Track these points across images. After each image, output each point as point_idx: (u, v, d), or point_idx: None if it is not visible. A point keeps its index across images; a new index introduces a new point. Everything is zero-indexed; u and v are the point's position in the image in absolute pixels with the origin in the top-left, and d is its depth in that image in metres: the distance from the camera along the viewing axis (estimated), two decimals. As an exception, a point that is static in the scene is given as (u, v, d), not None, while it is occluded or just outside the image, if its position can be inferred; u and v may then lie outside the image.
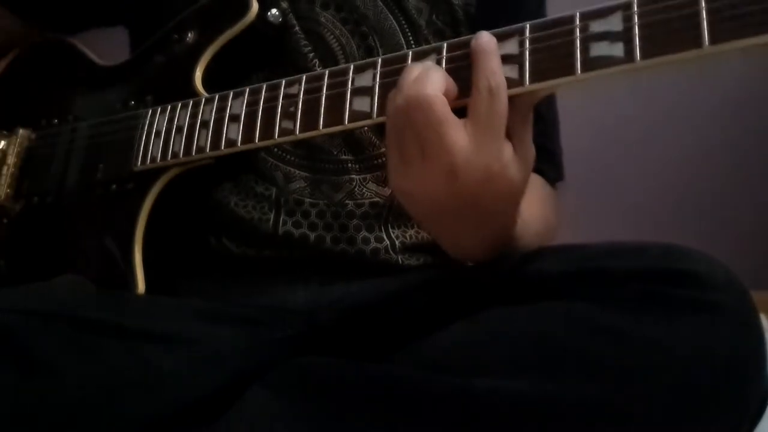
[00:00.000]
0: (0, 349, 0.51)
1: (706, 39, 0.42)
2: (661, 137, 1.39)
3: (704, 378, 0.46)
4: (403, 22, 0.70)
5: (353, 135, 0.70)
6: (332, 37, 0.70)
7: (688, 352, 0.47)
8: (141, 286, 0.64)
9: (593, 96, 1.31)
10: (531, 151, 0.52)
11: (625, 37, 0.44)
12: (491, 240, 0.58)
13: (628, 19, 0.45)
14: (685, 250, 0.52)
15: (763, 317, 0.51)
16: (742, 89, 1.36)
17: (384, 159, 0.70)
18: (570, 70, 0.46)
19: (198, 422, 0.54)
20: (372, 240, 0.70)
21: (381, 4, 0.70)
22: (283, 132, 0.58)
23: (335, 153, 0.69)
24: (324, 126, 0.56)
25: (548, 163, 0.76)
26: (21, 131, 0.78)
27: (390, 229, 0.71)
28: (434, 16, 0.71)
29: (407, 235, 0.71)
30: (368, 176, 0.70)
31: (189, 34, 0.70)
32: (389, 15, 0.70)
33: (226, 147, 0.61)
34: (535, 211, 0.66)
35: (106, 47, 0.81)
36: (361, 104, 0.54)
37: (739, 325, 0.48)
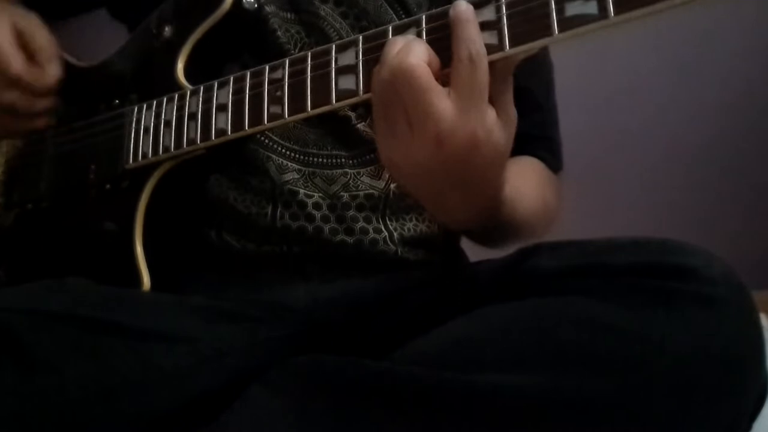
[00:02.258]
0: (0, 349, 0.52)
1: (676, -11, 0.43)
2: (661, 135, 1.38)
3: (702, 372, 0.47)
4: (403, 15, 0.71)
5: (346, 132, 0.70)
6: (332, 30, 0.70)
7: (687, 346, 0.47)
8: (146, 281, 0.66)
9: (594, 91, 1.32)
10: (513, 113, 0.53)
11: (598, -7, 0.46)
12: (479, 205, 0.58)
13: (599, -23, 0.46)
14: (682, 245, 0.52)
15: (762, 316, 0.51)
16: (743, 86, 1.35)
17: (377, 155, 0.70)
18: (548, 30, 0.47)
19: (198, 421, 0.54)
20: (370, 230, 0.70)
21: None
22: (272, 117, 0.59)
23: (329, 148, 0.70)
24: (312, 107, 0.56)
25: (549, 152, 0.77)
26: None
27: (388, 221, 0.71)
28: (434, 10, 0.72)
29: (405, 228, 0.72)
30: (362, 170, 0.71)
31: (167, 28, 0.70)
32: (389, 9, 0.71)
33: (216, 137, 0.62)
34: (532, 187, 0.67)
35: (105, 47, 0.81)
36: (347, 83, 0.55)
37: (737, 319, 0.49)
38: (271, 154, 0.70)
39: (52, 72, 0.74)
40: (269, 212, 0.69)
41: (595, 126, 1.34)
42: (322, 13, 0.70)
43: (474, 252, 0.72)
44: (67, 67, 0.80)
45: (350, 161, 0.70)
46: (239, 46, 0.70)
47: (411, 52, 0.49)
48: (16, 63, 0.71)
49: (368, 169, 0.71)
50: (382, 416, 0.49)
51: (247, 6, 0.68)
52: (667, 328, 0.47)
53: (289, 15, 0.70)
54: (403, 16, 0.71)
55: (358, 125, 0.70)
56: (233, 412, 0.52)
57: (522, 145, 0.54)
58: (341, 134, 0.70)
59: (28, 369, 0.52)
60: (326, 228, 0.69)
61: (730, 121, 1.37)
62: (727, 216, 1.38)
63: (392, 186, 0.71)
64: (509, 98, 0.52)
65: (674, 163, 1.40)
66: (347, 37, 0.70)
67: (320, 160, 0.70)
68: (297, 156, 0.70)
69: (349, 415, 0.50)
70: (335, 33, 0.70)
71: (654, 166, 1.40)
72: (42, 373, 0.52)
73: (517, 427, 0.47)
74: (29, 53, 0.73)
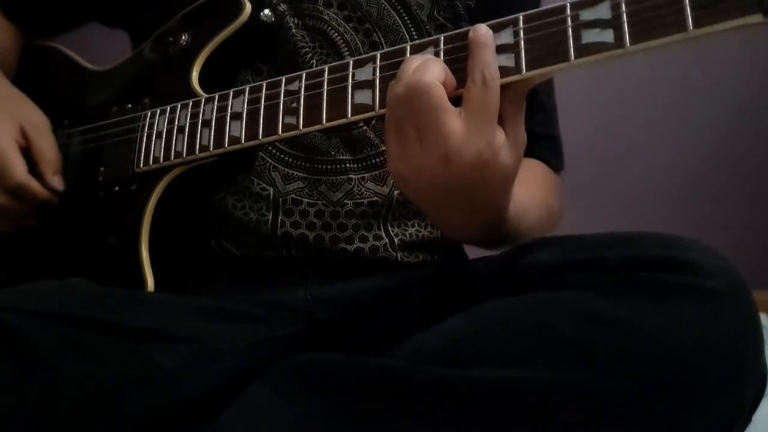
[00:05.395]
0: (1, 349, 0.51)
1: (690, 24, 0.45)
2: (662, 135, 1.40)
3: (702, 365, 0.46)
4: (406, 18, 0.72)
5: (351, 135, 0.71)
6: (336, 34, 0.71)
7: (685, 339, 0.47)
8: (150, 284, 0.66)
9: (595, 90, 1.33)
10: (522, 136, 0.54)
11: (615, 24, 0.47)
12: (483, 221, 0.59)
13: (616, 8, 0.47)
14: (680, 239, 0.52)
15: (763, 316, 0.51)
16: (744, 86, 1.36)
17: (382, 158, 0.72)
18: (564, 56, 0.49)
19: (199, 420, 0.54)
20: (370, 238, 0.71)
21: (383, 1, 0.72)
22: (287, 127, 0.60)
23: (333, 153, 0.71)
24: (327, 120, 0.58)
25: (551, 151, 0.78)
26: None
27: (389, 228, 0.72)
28: (436, 12, 0.74)
29: (407, 233, 0.73)
30: (366, 176, 0.71)
31: (183, 36, 0.71)
32: (392, 12, 0.72)
33: (230, 144, 0.63)
34: (536, 197, 0.68)
35: (105, 50, 0.82)
36: (363, 97, 0.56)
37: (736, 312, 0.49)
38: (277, 164, 0.71)
39: (56, 186, 0.72)
40: (270, 219, 0.70)
41: (598, 126, 1.35)
42: (326, 17, 0.72)
43: (473, 249, 0.72)
44: (77, 68, 0.81)
45: (355, 165, 0.71)
46: (253, 54, 0.71)
47: (428, 70, 0.50)
48: (20, 173, 0.70)
49: (373, 174, 0.72)
50: (381, 413, 0.49)
51: (264, 18, 0.70)
52: (666, 321, 0.47)
53: (294, 20, 0.72)
54: (406, 17, 0.73)
55: (363, 127, 0.71)
56: (234, 412, 0.52)
57: (527, 144, 0.55)
58: (346, 137, 0.71)
59: (28, 369, 0.52)
60: (327, 236, 0.70)
61: (731, 122, 1.38)
62: (727, 216, 1.38)
63: (396, 193, 0.72)
64: (520, 121, 0.54)
65: (675, 164, 1.40)
66: (352, 41, 0.71)
67: (326, 166, 0.71)
68: (303, 164, 0.71)
69: (349, 413, 0.50)
70: (339, 37, 0.71)
71: (655, 167, 1.40)
72: (42, 373, 0.52)
73: (517, 422, 0.47)
74: (32, 158, 0.72)
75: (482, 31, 0.51)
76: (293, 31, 0.71)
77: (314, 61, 0.71)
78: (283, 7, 0.71)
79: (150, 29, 0.75)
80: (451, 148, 0.50)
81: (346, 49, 0.71)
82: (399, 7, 0.73)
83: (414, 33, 0.72)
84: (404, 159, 0.53)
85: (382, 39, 0.72)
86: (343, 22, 0.72)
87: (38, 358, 0.52)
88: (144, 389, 0.56)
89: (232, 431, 0.51)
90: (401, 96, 0.51)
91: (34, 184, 0.72)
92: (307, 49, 0.71)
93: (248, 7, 0.69)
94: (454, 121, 0.50)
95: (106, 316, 0.57)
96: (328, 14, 0.72)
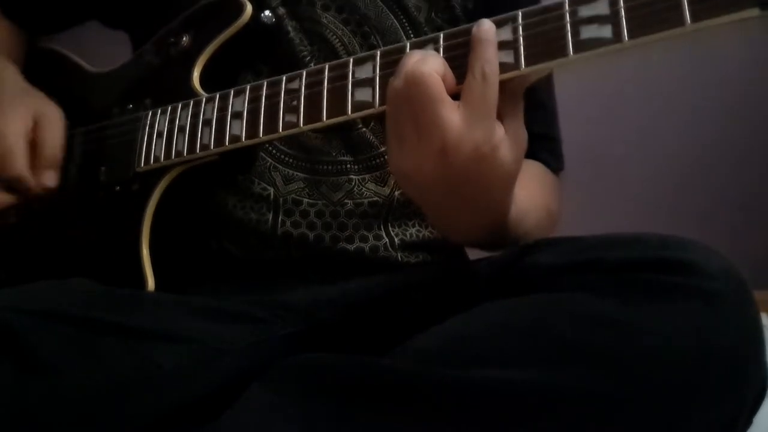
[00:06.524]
0: (1, 349, 0.51)
1: (688, 18, 0.45)
2: (663, 134, 1.40)
3: (703, 366, 0.46)
4: (404, 20, 0.73)
5: (352, 136, 0.72)
6: (334, 37, 0.72)
7: (686, 340, 0.46)
8: (151, 284, 0.66)
9: (595, 90, 1.34)
10: (523, 133, 0.54)
11: (613, 19, 0.48)
12: (485, 223, 0.59)
13: (614, 3, 0.48)
14: (681, 240, 0.52)
15: (763, 315, 0.51)
16: (744, 86, 1.37)
17: (382, 159, 0.72)
18: (563, 52, 0.49)
19: (199, 421, 0.53)
20: (371, 238, 0.71)
21: (381, 3, 0.73)
22: (287, 125, 0.60)
23: (334, 154, 0.71)
24: (328, 117, 0.58)
25: (550, 152, 0.78)
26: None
27: (390, 228, 0.73)
28: (433, 14, 0.74)
29: (407, 234, 0.73)
30: (367, 176, 0.72)
31: (184, 38, 0.72)
32: (390, 14, 0.73)
33: (230, 143, 0.63)
34: (536, 199, 0.68)
35: (106, 52, 0.82)
36: (363, 95, 0.56)
37: (736, 313, 0.48)
38: (277, 164, 0.71)
39: (46, 181, 0.72)
40: (270, 219, 0.70)
41: (598, 126, 1.35)
42: (324, 21, 0.72)
43: (474, 250, 0.72)
44: (78, 71, 0.82)
45: (355, 167, 0.72)
46: (253, 55, 0.72)
47: (426, 63, 0.51)
48: (20, 166, 0.70)
49: (373, 174, 0.72)
50: (382, 413, 0.49)
51: (264, 20, 0.70)
52: (666, 322, 0.47)
53: (293, 23, 0.72)
54: (404, 19, 0.73)
55: (363, 129, 0.72)
56: (234, 412, 0.52)
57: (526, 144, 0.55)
58: (346, 138, 0.72)
59: (28, 369, 0.52)
60: (327, 236, 0.70)
61: (730, 122, 1.38)
62: (728, 216, 1.38)
63: (396, 193, 0.72)
64: (519, 118, 0.54)
65: (675, 164, 1.40)
66: (349, 43, 0.72)
67: (326, 167, 0.71)
68: (303, 164, 0.71)
69: (349, 413, 0.50)
70: (337, 40, 0.72)
71: (655, 167, 1.40)
72: (42, 373, 0.52)
73: (517, 423, 0.47)
74: (35, 152, 0.72)
75: (486, 26, 0.52)
76: (292, 34, 0.71)
77: (313, 63, 0.71)
78: (282, 9, 0.72)
79: (151, 31, 0.75)
80: (448, 140, 0.50)
81: (343, 51, 0.72)
82: (397, 10, 0.73)
83: (412, 35, 0.73)
84: (404, 155, 0.53)
85: (380, 41, 0.72)
86: (341, 25, 0.72)
87: (38, 358, 0.52)
88: (144, 389, 0.55)
89: None
90: (400, 89, 0.51)
91: (29, 180, 0.71)
92: (306, 52, 0.71)
93: (249, 8, 0.69)
94: (451, 113, 0.50)
95: (106, 316, 0.57)
96: (326, 17, 0.72)
